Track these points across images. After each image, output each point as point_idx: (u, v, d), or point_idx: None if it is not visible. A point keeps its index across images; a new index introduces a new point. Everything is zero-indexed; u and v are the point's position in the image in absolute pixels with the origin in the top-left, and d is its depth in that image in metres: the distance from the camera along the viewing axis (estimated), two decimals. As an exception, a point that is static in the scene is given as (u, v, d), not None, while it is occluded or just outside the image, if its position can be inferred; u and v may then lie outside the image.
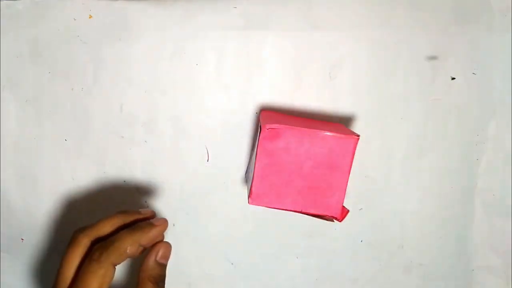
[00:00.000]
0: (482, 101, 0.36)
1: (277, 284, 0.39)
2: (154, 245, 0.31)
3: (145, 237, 0.30)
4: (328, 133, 0.29)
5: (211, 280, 0.40)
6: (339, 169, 0.30)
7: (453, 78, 0.36)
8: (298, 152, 0.30)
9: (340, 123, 0.36)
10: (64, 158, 0.38)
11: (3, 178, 0.38)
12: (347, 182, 0.30)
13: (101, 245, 0.29)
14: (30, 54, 0.36)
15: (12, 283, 0.40)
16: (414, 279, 0.39)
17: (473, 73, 0.36)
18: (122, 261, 0.29)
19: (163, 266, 0.31)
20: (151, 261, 0.31)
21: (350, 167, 0.30)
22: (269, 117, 0.33)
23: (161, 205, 0.38)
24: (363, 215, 0.38)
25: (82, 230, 0.30)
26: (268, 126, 0.29)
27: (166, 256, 0.32)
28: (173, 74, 0.36)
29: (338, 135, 0.29)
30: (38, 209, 0.38)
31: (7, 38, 0.36)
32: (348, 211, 0.30)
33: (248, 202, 0.30)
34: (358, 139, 0.29)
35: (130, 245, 0.29)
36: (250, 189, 0.30)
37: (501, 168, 0.37)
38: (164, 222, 0.32)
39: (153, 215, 0.34)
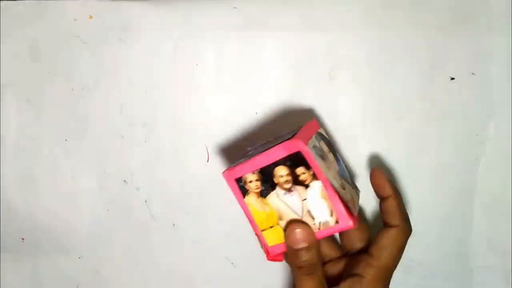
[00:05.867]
0: (482, 101, 0.36)
1: (277, 284, 0.39)
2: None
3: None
4: (272, 149, 0.27)
5: (211, 280, 0.40)
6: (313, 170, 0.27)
7: (452, 78, 0.36)
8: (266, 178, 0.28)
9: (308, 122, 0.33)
10: (64, 158, 0.38)
11: (3, 178, 0.38)
12: (332, 189, 0.27)
13: None
14: (30, 54, 0.36)
15: (12, 283, 0.40)
16: (414, 279, 0.39)
17: (473, 73, 0.36)
18: None
19: (299, 251, 0.28)
20: (288, 250, 0.28)
21: (317, 165, 0.26)
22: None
23: (161, 205, 0.38)
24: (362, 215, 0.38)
25: None
26: (224, 172, 0.29)
27: (293, 240, 0.28)
28: (173, 74, 0.36)
29: (282, 144, 0.26)
30: (38, 209, 0.38)
31: (7, 38, 0.36)
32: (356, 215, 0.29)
33: (267, 259, 0.30)
34: (301, 141, 0.26)
35: None
36: (265, 248, 0.30)
37: (501, 168, 0.37)
38: None
39: None
